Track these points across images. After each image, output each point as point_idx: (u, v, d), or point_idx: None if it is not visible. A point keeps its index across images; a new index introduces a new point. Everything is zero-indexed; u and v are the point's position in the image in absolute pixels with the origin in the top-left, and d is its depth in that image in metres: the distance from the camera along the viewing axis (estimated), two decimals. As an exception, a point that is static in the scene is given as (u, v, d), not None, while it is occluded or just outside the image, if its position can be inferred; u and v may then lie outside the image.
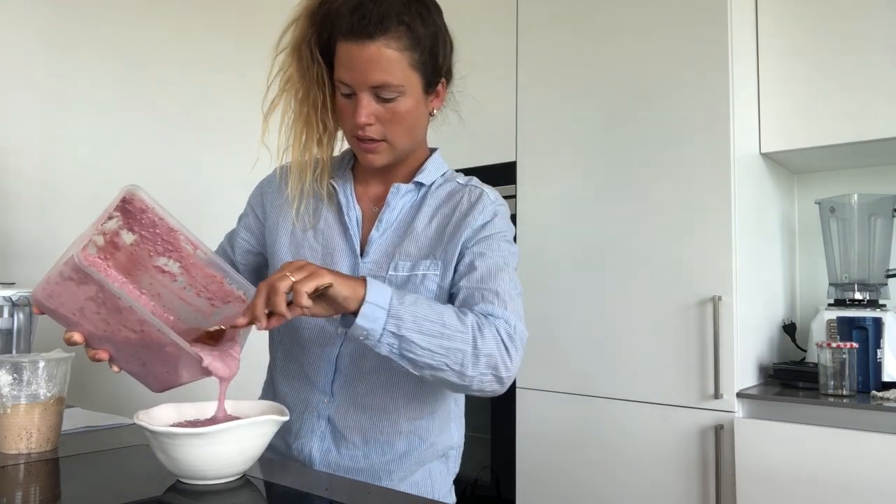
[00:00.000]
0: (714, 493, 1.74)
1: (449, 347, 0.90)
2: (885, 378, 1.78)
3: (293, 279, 0.82)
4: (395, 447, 1.06)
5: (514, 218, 2.17)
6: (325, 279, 0.83)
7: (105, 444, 1.09)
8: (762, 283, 1.98)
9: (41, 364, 1.01)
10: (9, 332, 1.30)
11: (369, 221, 1.09)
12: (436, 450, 1.11)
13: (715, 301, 1.78)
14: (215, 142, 2.23)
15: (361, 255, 1.06)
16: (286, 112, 1.05)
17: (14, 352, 1.30)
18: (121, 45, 2.01)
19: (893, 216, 1.98)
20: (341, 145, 1.13)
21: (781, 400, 1.71)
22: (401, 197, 1.08)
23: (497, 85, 2.27)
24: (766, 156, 2.02)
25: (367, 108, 0.97)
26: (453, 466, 1.16)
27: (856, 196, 1.98)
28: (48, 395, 1.02)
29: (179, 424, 0.89)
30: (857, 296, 1.94)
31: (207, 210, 2.14)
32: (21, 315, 1.31)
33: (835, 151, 1.95)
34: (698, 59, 1.86)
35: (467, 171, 1.18)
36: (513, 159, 2.21)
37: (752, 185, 1.93)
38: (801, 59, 1.94)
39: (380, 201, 1.10)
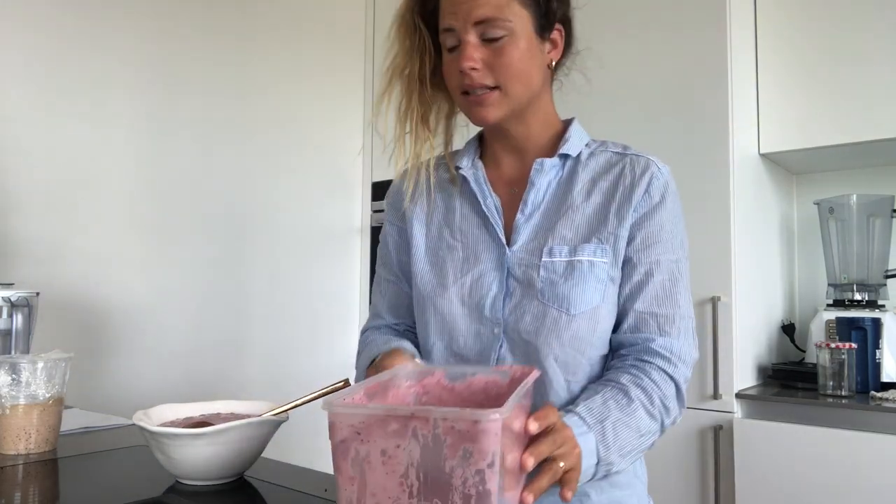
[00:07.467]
0: (713, 493, 1.74)
1: (643, 447, 0.87)
2: (884, 378, 1.78)
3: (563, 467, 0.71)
4: None
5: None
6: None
7: (104, 444, 1.09)
8: (761, 283, 1.98)
9: (40, 365, 1.01)
10: (8, 332, 1.30)
11: (510, 207, 0.97)
12: None
13: (714, 301, 1.78)
14: (224, 142, 2.22)
15: (508, 244, 0.95)
16: (390, 96, 0.97)
17: (13, 352, 1.30)
18: (124, 45, 2.01)
19: (892, 217, 1.98)
20: (463, 132, 1.03)
21: (780, 400, 1.71)
22: (545, 174, 0.96)
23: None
24: (765, 156, 2.02)
25: (473, 49, 0.89)
26: None
27: (855, 196, 1.98)
28: (47, 395, 1.02)
29: (178, 424, 0.89)
30: (856, 296, 1.94)
31: (216, 212, 2.14)
32: (20, 315, 1.31)
33: (834, 152, 1.95)
34: (698, 59, 1.86)
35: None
36: (512, 160, 2.20)
37: (752, 186, 1.93)
38: (799, 60, 1.94)
39: (517, 184, 0.98)
